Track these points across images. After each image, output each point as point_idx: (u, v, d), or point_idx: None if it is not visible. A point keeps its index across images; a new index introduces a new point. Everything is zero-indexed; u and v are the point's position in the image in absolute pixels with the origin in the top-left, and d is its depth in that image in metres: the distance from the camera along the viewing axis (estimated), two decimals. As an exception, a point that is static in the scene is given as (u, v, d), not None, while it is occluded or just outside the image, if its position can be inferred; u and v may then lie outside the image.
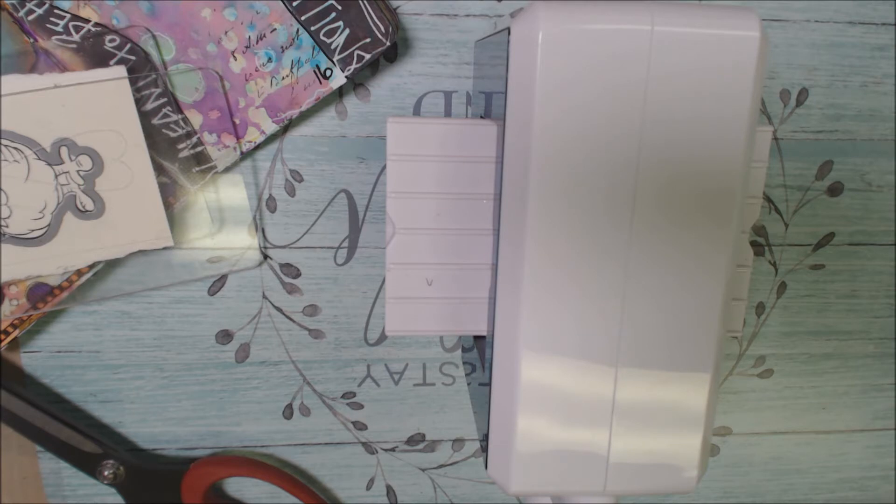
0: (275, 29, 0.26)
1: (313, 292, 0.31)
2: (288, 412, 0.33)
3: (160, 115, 0.26)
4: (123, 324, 0.31)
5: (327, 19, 0.26)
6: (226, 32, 0.26)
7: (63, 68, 0.25)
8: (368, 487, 0.35)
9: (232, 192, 0.29)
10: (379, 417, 0.33)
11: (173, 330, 0.31)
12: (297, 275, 0.31)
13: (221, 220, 0.29)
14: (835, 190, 0.32)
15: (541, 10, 0.19)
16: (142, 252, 0.27)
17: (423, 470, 0.35)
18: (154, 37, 0.25)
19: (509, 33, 0.20)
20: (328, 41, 0.26)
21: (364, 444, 0.34)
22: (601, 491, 0.23)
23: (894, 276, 0.34)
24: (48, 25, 0.25)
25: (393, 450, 0.34)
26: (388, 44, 0.26)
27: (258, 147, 0.29)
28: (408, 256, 0.25)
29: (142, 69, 0.26)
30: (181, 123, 0.27)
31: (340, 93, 0.29)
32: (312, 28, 0.26)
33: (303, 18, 0.26)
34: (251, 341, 0.32)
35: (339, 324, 0.32)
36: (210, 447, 0.33)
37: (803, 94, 0.31)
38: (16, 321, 0.27)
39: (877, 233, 0.33)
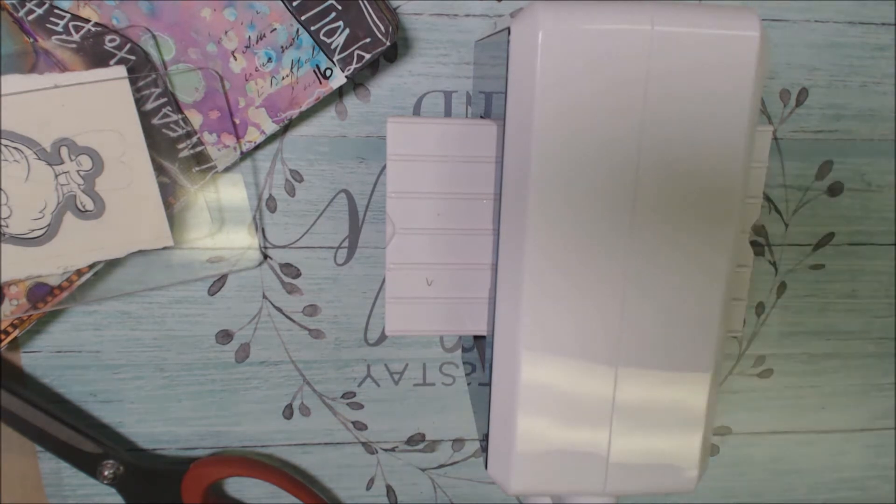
0: (275, 29, 0.26)
1: (313, 292, 0.31)
2: (288, 412, 0.33)
3: (160, 115, 0.26)
4: (123, 324, 0.31)
5: (327, 19, 0.26)
6: (226, 32, 0.26)
7: (63, 68, 0.25)
8: (368, 487, 0.35)
9: (232, 192, 0.29)
10: (379, 417, 0.33)
11: (173, 330, 0.31)
12: (297, 275, 0.31)
13: (221, 220, 0.29)
14: (835, 190, 0.32)
15: (541, 10, 0.19)
16: (142, 252, 0.27)
17: (423, 470, 0.35)
18: (154, 37, 0.25)
19: (509, 33, 0.20)
20: (328, 41, 0.26)
21: (364, 444, 0.34)
22: (601, 491, 0.23)
23: (894, 276, 0.34)
24: (48, 25, 0.25)
25: (393, 450, 0.34)
26: (388, 44, 0.26)
27: (258, 147, 0.29)
28: (408, 256, 0.25)
29: (142, 69, 0.26)
30: (181, 123, 0.27)
31: (340, 93, 0.29)
32: (312, 28, 0.26)
33: (303, 18, 0.26)
34: (251, 341, 0.32)
35: (339, 324, 0.32)
36: (210, 447, 0.33)
37: (803, 94, 0.31)
38: (16, 321, 0.27)
39: (877, 233, 0.33)
